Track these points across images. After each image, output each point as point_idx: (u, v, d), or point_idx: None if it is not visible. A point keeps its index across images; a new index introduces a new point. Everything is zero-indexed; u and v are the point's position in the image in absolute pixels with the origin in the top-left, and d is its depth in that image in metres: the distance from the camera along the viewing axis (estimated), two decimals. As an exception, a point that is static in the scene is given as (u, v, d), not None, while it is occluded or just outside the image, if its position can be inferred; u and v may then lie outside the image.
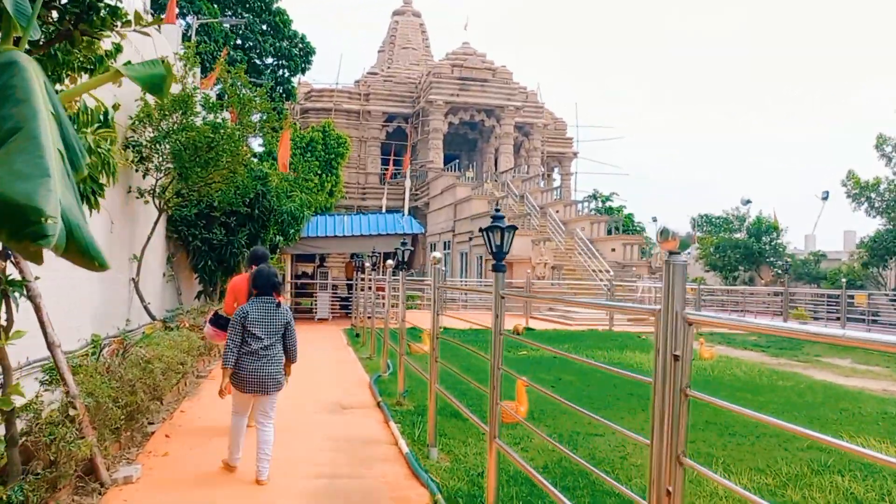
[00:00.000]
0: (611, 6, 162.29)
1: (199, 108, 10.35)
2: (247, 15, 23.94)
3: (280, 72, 26.11)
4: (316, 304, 19.96)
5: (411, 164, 43.34)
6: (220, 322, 6.72)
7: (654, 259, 24.44)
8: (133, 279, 10.44)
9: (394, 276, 10.56)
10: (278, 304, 5.38)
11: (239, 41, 24.35)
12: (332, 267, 22.79)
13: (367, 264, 14.50)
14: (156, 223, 10.64)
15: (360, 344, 14.26)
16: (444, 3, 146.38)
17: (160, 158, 9.98)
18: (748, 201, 35.68)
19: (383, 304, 19.48)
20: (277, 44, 24.88)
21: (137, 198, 10.34)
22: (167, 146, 9.75)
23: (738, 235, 34.55)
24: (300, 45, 26.02)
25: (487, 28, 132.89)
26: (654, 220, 43.51)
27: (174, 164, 9.93)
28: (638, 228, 46.67)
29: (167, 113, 9.69)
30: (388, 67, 48.69)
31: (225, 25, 22.81)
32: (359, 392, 9.37)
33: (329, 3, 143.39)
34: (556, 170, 52.36)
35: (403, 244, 8.13)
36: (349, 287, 21.10)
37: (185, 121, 9.51)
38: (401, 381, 8.35)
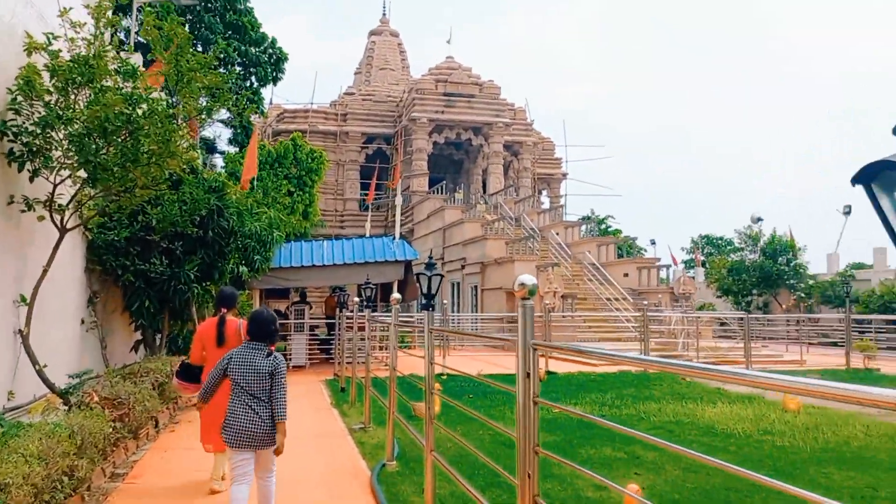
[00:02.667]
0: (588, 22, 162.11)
1: (119, 83, 7.16)
2: (207, 15, 20.87)
3: (247, 81, 22.98)
4: (291, 349, 16.63)
5: (393, 188, 40.30)
6: (188, 373, 5.86)
7: (678, 285, 21.57)
8: (20, 331, 7.15)
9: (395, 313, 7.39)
10: (269, 353, 4.69)
11: (199, 47, 21.26)
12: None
13: (356, 299, 11.30)
14: (55, 248, 7.37)
15: (349, 404, 10.98)
16: (422, 24, 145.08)
17: (56, 151, 6.77)
18: (759, 219, 33.03)
19: (376, 347, 16.29)
20: (243, 48, 21.75)
21: (24, 212, 7.09)
22: (64, 130, 6.55)
23: (751, 256, 31.85)
24: (270, 51, 22.89)
25: (469, 46, 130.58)
26: (653, 242, 40.74)
27: (77, 158, 6.71)
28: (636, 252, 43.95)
29: (65, 83, 6.50)
30: (366, 89, 45.90)
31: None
32: (355, 497, 6.13)
33: (301, 23, 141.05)
34: (544, 192, 49.72)
35: (431, 265, 5.01)
36: (330, 327, 17.81)
37: (91, 93, 6.33)
38: (429, 494, 5.12)
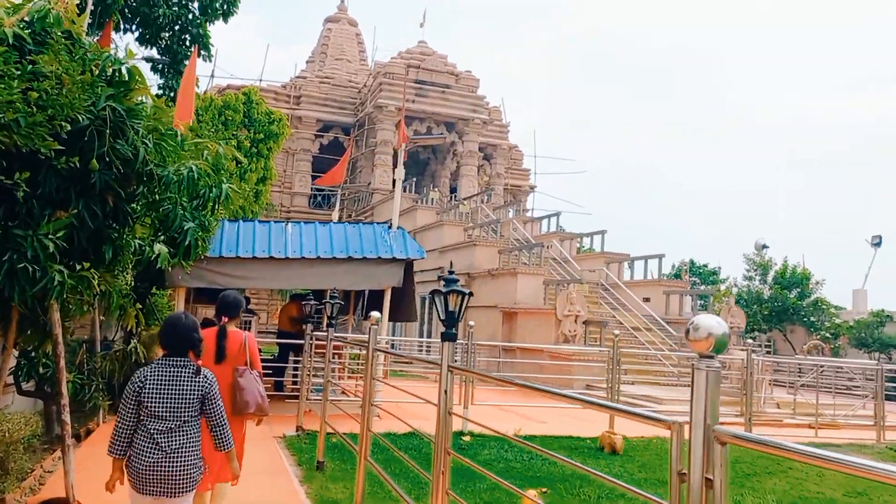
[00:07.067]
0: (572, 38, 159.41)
1: None
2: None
3: (188, 15, 17.57)
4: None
5: (347, 183, 35.07)
6: None
7: (725, 315, 17.29)
8: None
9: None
10: (197, 370, 3.66)
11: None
12: (257, 310, 14.01)
13: (376, 314, 6.20)
14: None
15: (350, 511, 5.78)
16: (385, 25, 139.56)
17: None
18: (764, 246, 29.38)
19: (356, 377, 11.08)
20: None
21: None
22: None
23: (758, 287, 28.06)
24: (218, -24, 17.59)
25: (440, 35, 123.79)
26: (630, 266, 36.63)
27: None
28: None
29: None
30: (323, 72, 40.64)
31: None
32: None
33: (250, 25, 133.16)
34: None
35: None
36: (285, 349, 12.49)
37: None
38: None
